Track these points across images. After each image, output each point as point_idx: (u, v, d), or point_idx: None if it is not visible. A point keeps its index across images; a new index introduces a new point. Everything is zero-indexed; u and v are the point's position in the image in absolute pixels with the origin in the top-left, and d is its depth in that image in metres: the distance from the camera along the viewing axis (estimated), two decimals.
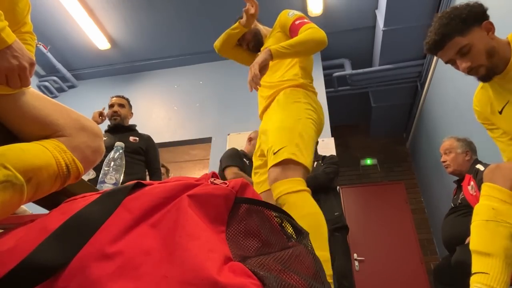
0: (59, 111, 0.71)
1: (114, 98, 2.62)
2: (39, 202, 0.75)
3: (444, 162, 2.30)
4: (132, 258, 0.43)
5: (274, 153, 1.28)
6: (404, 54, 4.07)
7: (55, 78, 4.57)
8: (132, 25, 4.12)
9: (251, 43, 1.83)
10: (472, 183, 2.05)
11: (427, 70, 4.00)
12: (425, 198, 4.97)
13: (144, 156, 2.44)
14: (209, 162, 3.79)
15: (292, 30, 1.57)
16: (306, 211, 1.19)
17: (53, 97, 4.41)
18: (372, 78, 4.36)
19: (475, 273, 1.03)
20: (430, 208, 4.75)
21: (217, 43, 1.89)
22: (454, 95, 3.35)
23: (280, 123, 1.39)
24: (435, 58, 3.66)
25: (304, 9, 3.86)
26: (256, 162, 1.58)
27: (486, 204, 1.11)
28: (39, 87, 4.52)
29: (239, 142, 3.69)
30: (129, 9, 3.91)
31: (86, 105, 4.42)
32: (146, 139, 2.54)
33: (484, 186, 1.17)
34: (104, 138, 2.38)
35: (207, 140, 3.95)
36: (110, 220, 0.48)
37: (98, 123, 2.41)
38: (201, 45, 4.31)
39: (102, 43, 4.27)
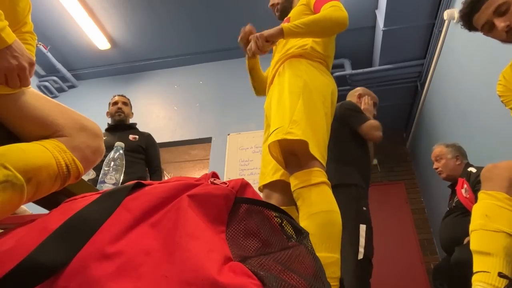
0: (59, 111, 0.71)
1: (117, 96, 2.63)
2: (39, 202, 0.75)
3: (436, 169, 2.35)
4: (132, 258, 0.43)
5: (271, 132, 1.19)
6: (404, 54, 4.07)
7: (55, 78, 4.57)
8: (132, 25, 4.12)
9: (276, 8, 1.77)
10: (465, 185, 2.08)
11: (427, 70, 4.00)
12: (425, 198, 4.97)
13: (144, 155, 2.44)
14: (209, 162, 3.79)
15: (316, 7, 1.45)
16: (319, 208, 1.08)
17: (53, 97, 4.41)
18: (372, 78, 4.36)
19: (476, 272, 1.04)
20: (430, 208, 4.75)
21: (254, 90, 1.77)
22: (454, 95, 3.35)
23: (279, 99, 1.29)
24: (435, 58, 3.66)
25: None
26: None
27: (480, 214, 1.11)
28: (39, 87, 4.52)
29: (239, 142, 3.69)
30: (129, 9, 3.91)
31: (86, 105, 4.43)
32: (146, 137, 2.54)
33: (481, 194, 1.17)
34: (104, 137, 2.38)
35: (207, 140, 3.95)
36: (110, 220, 0.48)
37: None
38: (201, 45, 4.31)
39: (102, 43, 4.27)
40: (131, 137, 2.45)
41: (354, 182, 1.90)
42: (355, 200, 1.83)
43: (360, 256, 1.66)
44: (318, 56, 1.44)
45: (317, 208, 1.08)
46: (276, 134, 1.14)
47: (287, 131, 1.12)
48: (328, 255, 1.03)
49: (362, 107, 2.16)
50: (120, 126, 2.53)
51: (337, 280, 1.02)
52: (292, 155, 1.17)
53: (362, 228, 1.75)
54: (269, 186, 1.42)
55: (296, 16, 1.49)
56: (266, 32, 1.31)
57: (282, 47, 1.51)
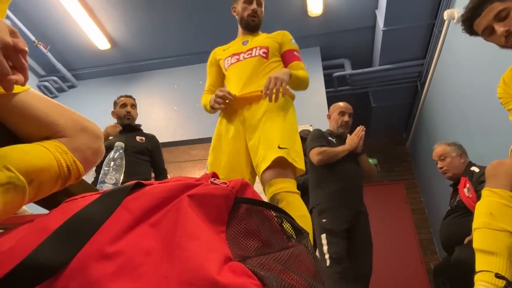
0: (60, 112, 0.70)
1: (125, 98, 2.61)
2: (39, 202, 0.75)
3: (441, 168, 2.30)
4: (132, 258, 0.43)
5: (280, 148, 1.38)
6: (404, 54, 4.07)
7: (55, 78, 4.57)
8: (132, 25, 4.12)
9: (256, 19, 1.81)
10: (468, 185, 2.06)
11: (427, 70, 4.00)
12: (425, 198, 4.97)
13: (149, 156, 2.45)
14: None
15: (287, 56, 1.75)
16: (302, 213, 1.31)
17: (53, 97, 4.41)
18: (372, 78, 4.36)
19: (479, 271, 1.03)
20: (430, 208, 4.75)
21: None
22: (454, 95, 3.35)
23: (285, 125, 1.50)
24: (435, 58, 3.66)
25: (304, 9, 3.86)
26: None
27: (484, 212, 1.11)
28: (39, 87, 4.52)
29: None
30: (129, 9, 3.91)
31: (86, 105, 4.42)
32: (151, 139, 2.55)
33: (485, 191, 1.16)
34: (111, 138, 2.39)
35: (207, 140, 3.94)
36: (110, 220, 0.48)
37: (113, 134, 2.42)
38: (201, 45, 4.31)
39: (102, 43, 4.27)
40: (138, 138, 2.46)
41: (313, 205, 2.25)
42: (315, 218, 2.14)
43: (328, 263, 1.95)
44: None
45: (302, 212, 1.31)
46: (287, 154, 1.37)
47: (292, 158, 1.39)
48: None
49: (333, 125, 2.53)
50: (127, 127, 2.53)
51: None
52: (281, 164, 1.37)
53: (323, 237, 2.05)
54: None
55: (273, 52, 1.73)
56: (284, 78, 1.48)
57: (262, 76, 1.64)
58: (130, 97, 2.65)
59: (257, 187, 1.25)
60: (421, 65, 4.12)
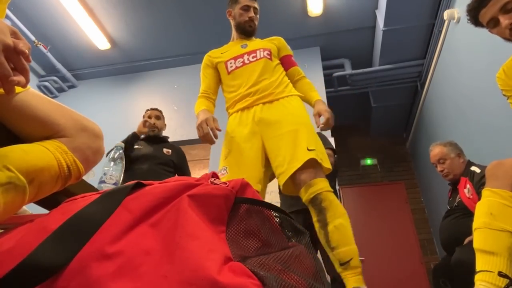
0: (60, 112, 0.70)
1: (150, 111, 2.69)
2: (39, 202, 0.75)
3: (442, 171, 2.24)
4: (132, 258, 0.43)
5: (309, 150, 1.43)
6: (404, 54, 4.07)
7: (55, 78, 4.57)
8: (132, 25, 4.12)
9: (253, 25, 1.84)
10: (468, 186, 2.03)
11: (427, 70, 4.00)
12: (425, 198, 4.97)
13: (173, 168, 2.51)
14: (209, 162, 3.79)
15: (287, 61, 1.83)
16: (343, 210, 1.39)
17: (53, 97, 4.41)
18: (372, 78, 4.36)
19: (479, 271, 1.03)
20: (430, 208, 4.75)
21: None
22: (454, 95, 3.35)
23: (307, 126, 1.55)
24: (435, 58, 3.66)
25: (304, 9, 3.86)
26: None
27: (485, 212, 1.11)
28: (39, 87, 4.52)
29: None
30: (129, 9, 3.91)
31: (86, 105, 4.43)
32: (178, 152, 2.63)
33: (486, 191, 1.16)
34: (140, 147, 2.49)
35: None
36: (110, 220, 0.48)
37: (143, 133, 2.51)
38: (201, 45, 4.31)
39: (102, 43, 4.27)
40: (165, 150, 2.54)
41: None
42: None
43: (329, 280, 1.92)
44: None
45: (343, 209, 1.39)
46: (316, 154, 1.43)
47: (320, 158, 1.44)
48: (356, 247, 1.33)
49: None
50: (155, 138, 2.60)
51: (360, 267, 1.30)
52: (313, 164, 1.43)
53: (318, 254, 1.97)
54: None
55: (274, 54, 1.79)
56: (330, 112, 1.61)
57: (271, 76, 1.70)
58: (156, 109, 2.72)
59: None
60: (421, 65, 4.12)
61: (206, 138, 1.60)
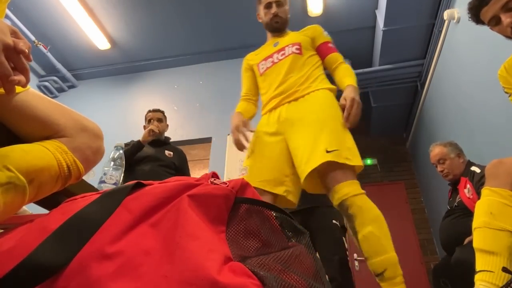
0: (60, 112, 0.70)
1: (151, 113, 2.67)
2: (39, 202, 0.75)
3: (442, 171, 2.25)
4: (132, 258, 0.43)
5: (328, 152, 1.32)
6: (404, 54, 4.07)
7: (55, 78, 4.57)
8: (132, 25, 4.12)
9: (278, 20, 1.80)
10: (468, 186, 2.03)
11: (427, 70, 4.00)
12: (425, 198, 4.97)
13: (174, 170, 2.50)
14: (209, 162, 3.79)
15: (323, 48, 1.73)
16: (376, 213, 1.27)
17: (53, 97, 4.41)
18: (372, 78, 4.36)
19: (479, 271, 1.03)
20: (430, 208, 4.75)
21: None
22: (454, 95, 3.35)
23: (332, 124, 1.43)
24: (435, 58, 3.66)
25: (304, 9, 3.86)
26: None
27: (485, 211, 1.11)
28: (39, 87, 4.52)
29: None
30: (129, 9, 3.91)
31: (86, 105, 4.43)
32: (179, 154, 2.62)
33: (485, 190, 1.16)
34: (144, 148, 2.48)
35: (207, 140, 3.94)
36: (110, 220, 0.48)
37: (148, 141, 2.47)
38: (201, 45, 4.32)
39: (102, 43, 4.27)
40: (166, 152, 2.54)
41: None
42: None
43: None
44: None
45: (375, 213, 1.27)
46: (338, 156, 1.31)
47: (345, 157, 1.32)
48: (395, 254, 1.26)
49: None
50: (158, 140, 2.59)
51: (402, 277, 1.20)
52: (339, 167, 1.32)
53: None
54: (265, 194, 1.47)
55: (306, 47, 1.70)
56: (358, 100, 1.45)
57: (299, 71, 1.62)
58: (158, 111, 2.71)
59: None
60: (421, 65, 4.12)
61: (236, 144, 1.56)
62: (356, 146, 1.43)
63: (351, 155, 1.35)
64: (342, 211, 1.30)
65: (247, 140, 1.55)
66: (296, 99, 1.57)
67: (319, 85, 1.60)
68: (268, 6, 1.78)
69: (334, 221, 2.02)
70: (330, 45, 1.74)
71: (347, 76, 1.62)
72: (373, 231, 1.22)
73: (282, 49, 1.71)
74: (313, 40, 1.75)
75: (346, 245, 1.93)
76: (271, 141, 1.54)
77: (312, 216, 2.04)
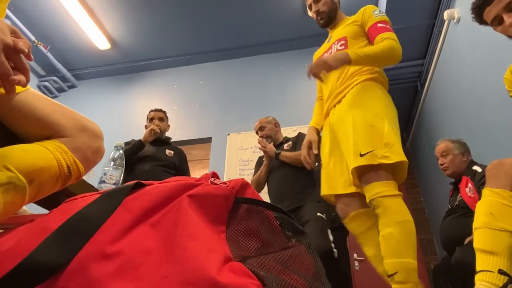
0: (60, 112, 0.70)
1: (153, 112, 2.67)
2: (39, 202, 0.75)
3: (442, 164, 2.28)
4: (132, 258, 0.43)
5: (361, 155, 1.29)
6: (404, 54, 4.01)
7: (55, 78, 4.57)
8: (132, 25, 4.12)
9: (322, 16, 1.80)
10: (469, 185, 2.04)
11: (427, 70, 4.00)
12: (425, 198, 4.96)
13: (174, 169, 2.51)
14: (209, 162, 3.79)
15: (372, 31, 1.57)
16: (403, 218, 1.23)
17: (53, 97, 4.41)
18: None
19: (479, 271, 1.03)
20: (430, 208, 4.74)
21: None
22: (455, 95, 3.34)
23: (365, 121, 1.38)
24: (435, 58, 3.66)
25: (304, 9, 3.86)
26: (324, 158, 1.60)
27: (485, 212, 1.11)
28: (39, 87, 4.52)
29: (239, 142, 3.69)
30: (129, 9, 3.91)
31: (86, 105, 4.43)
32: (179, 154, 2.62)
33: (485, 191, 1.16)
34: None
35: (207, 140, 3.95)
36: (110, 220, 0.48)
37: (149, 141, 2.47)
38: (201, 45, 4.31)
39: (102, 43, 4.27)
40: (167, 152, 2.54)
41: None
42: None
43: None
44: (383, 81, 1.59)
45: (402, 217, 1.22)
46: (371, 158, 1.27)
47: (382, 155, 1.27)
48: (413, 262, 1.18)
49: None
50: (159, 140, 2.59)
51: (416, 285, 1.15)
52: (372, 168, 1.29)
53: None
54: (344, 196, 1.49)
55: (354, 37, 1.60)
56: (333, 58, 1.34)
57: (337, 72, 1.57)
58: (160, 110, 2.71)
59: None
60: (421, 65, 4.12)
61: (303, 161, 1.61)
62: (398, 136, 1.36)
63: (390, 152, 1.28)
64: (373, 210, 1.30)
65: (312, 161, 1.58)
66: (339, 101, 1.56)
67: (358, 79, 1.52)
68: (310, 7, 1.82)
69: (318, 214, 2.05)
70: (380, 24, 1.57)
71: (364, 48, 1.49)
72: (393, 233, 1.20)
73: (330, 47, 1.71)
74: (363, 25, 1.63)
75: (331, 237, 1.93)
76: (328, 151, 1.57)
77: (299, 213, 2.09)
